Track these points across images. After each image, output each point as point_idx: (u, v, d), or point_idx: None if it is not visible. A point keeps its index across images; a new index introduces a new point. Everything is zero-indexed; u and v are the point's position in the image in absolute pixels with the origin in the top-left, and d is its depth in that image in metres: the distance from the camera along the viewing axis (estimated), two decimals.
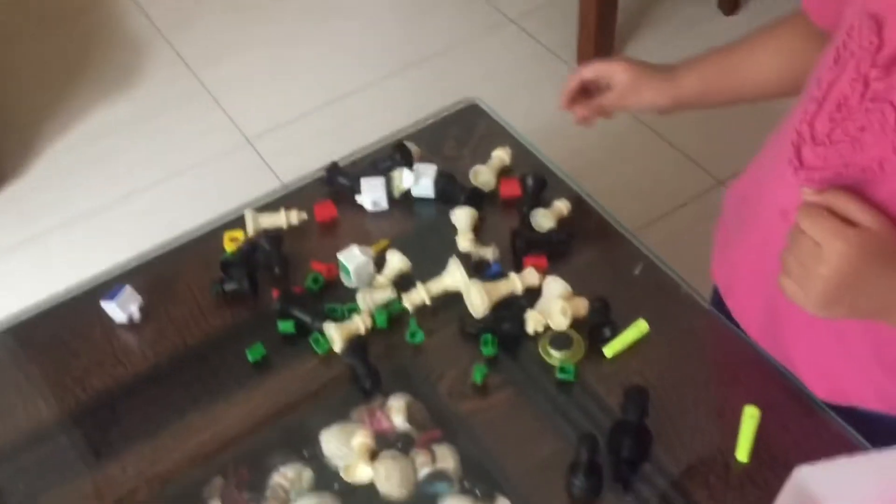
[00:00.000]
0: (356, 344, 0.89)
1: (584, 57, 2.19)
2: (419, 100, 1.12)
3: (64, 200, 2.01)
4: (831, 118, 0.75)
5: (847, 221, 0.69)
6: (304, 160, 1.07)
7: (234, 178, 2.01)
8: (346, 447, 0.84)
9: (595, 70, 0.99)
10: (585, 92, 1.01)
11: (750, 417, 0.82)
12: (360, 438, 0.83)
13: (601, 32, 2.12)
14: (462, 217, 0.98)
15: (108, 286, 0.95)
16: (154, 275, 0.98)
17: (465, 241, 0.97)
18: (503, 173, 1.05)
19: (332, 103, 2.16)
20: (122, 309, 0.93)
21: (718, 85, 0.96)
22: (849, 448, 0.80)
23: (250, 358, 0.90)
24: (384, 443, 0.84)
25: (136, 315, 0.94)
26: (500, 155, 1.05)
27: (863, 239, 0.68)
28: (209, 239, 1.00)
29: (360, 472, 0.82)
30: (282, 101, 2.19)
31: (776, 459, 0.80)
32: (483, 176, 1.04)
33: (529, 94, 2.11)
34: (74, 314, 0.95)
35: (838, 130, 0.74)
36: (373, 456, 0.83)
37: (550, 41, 2.28)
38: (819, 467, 0.75)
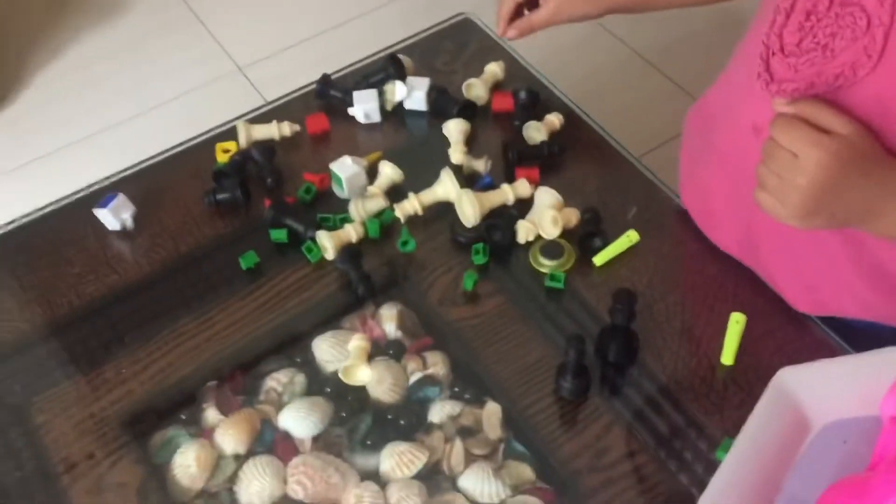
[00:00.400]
0: (349, 251, 0.89)
1: None
2: (413, 29, 1.11)
3: (56, 126, 1.99)
4: (800, 27, 0.74)
5: (822, 130, 0.69)
6: (296, 87, 1.07)
7: (226, 105, 1.97)
8: (338, 353, 0.85)
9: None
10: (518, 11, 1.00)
11: (735, 323, 0.83)
12: (358, 341, 0.84)
13: None
14: (454, 129, 0.98)
15: (101, 194, 0.95)
16: (147, 184, 0.98)
17: (457, 154, 0.97)
18: (496, 87, 1.04)
19: (326, 32, 2.14)
20: (114, 216, 0.93)
21: None
22: (831, 352, 0.81)
23: (243, 265, 0.91)
24: (376, 350, 0.86)
25: (130, 223, 0.94)
26: (494, 69, 1.04)
27: (839, 146, 0.68)
28: (201, 150, 1.00)
29: (360, 374, 0.83)
30: (274, 30, 2.16)
31: (760, 363, 0.81)
32: (476, 89, 1.03)
33: None
34: (68, 222, 0.96)
35: (808, 39, 0.74)
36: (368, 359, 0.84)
37: None
38: (800, 369, 0.77)
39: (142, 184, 0.98)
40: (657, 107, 1.96)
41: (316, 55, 2.07)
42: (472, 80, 1.03)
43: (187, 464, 0.79)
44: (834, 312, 0.87)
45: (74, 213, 0.96)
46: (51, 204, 0.98)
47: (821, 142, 0.68)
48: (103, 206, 0.93)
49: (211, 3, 2.24)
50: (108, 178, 0.99)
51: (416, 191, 0.93)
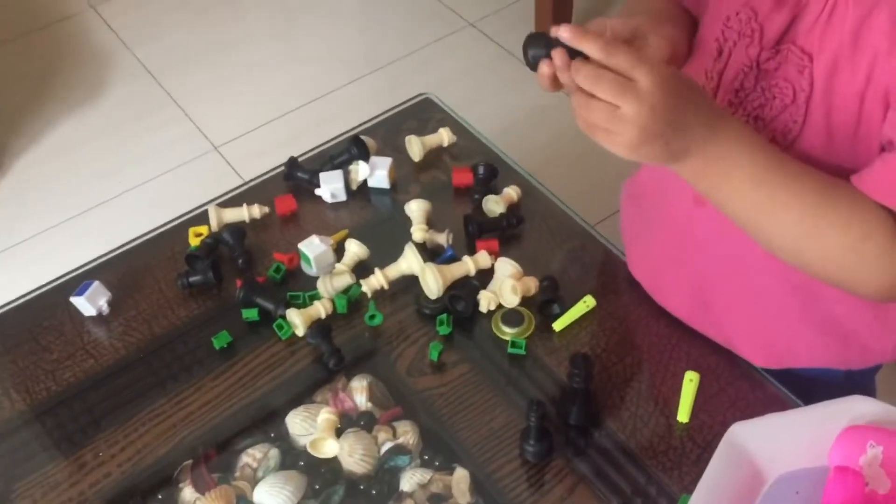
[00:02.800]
0: (320, 325, 0.93)
1: None
2: (383, 103, 1.16)
3: (33, 213, 2.03)
4: (730, 103, 0.81)
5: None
6: (270, 164, 1.11)
7: (203, 184, 2.04)
8: (311, 427, 0.88)
9: (626, 26, 0.82)
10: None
11: (689, 381, 0.87)
12: (326, 415, 0.87)
13: None
14: (416, 208, 1.03)
15: (77, 282, 0.98)
16: (122, 270, 1.02)
17: (419, 232, 1.01)
18: (452, 158, 1.10)
19: (297, 109, 2.20)
20: (90, 303, 0.96)
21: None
22: (782, 406, 0.85)
23: (216, 345, 0.94)
24: (347, 422, 0.89)
25: (105, 309, 0.97)
26: (442, 133, 1.10)
27: (655, 87, 0.67)
28: (174, 234, 1.04)
29: (327, 447, 0.85)
30: (247, 109, 2.23)
31: (714, 419, 0.85)
32: (412, 144, 1.08)
33: (489, 95, 2.17)
34: (45, 310, 0.99)
35: (739, 112, 0.80)
36: (337, 433, 0.87)
37: (508, 42, 2.34)
38: (752, 423, 0.80)
39: (117, 269, 1.02)
40: (616, 172, 2.02)
41: (288, 131, 2.13)
42: (411, 137, 1.09)
43: None
44: (789, 364, 0.91)
45: (52, 301, 0.99)
46: (29, 293, 1.01)
47: (636, 91, 0.67)
48: (79, 294, 0.96)
49: (186, 86, 2.30)
50: (83, 265, 1.02)
51: (382, 266, 0.97)
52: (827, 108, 0.75)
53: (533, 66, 0.74)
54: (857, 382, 0.97)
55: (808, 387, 0.90)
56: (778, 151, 0.74)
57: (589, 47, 0.68)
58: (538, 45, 0.73)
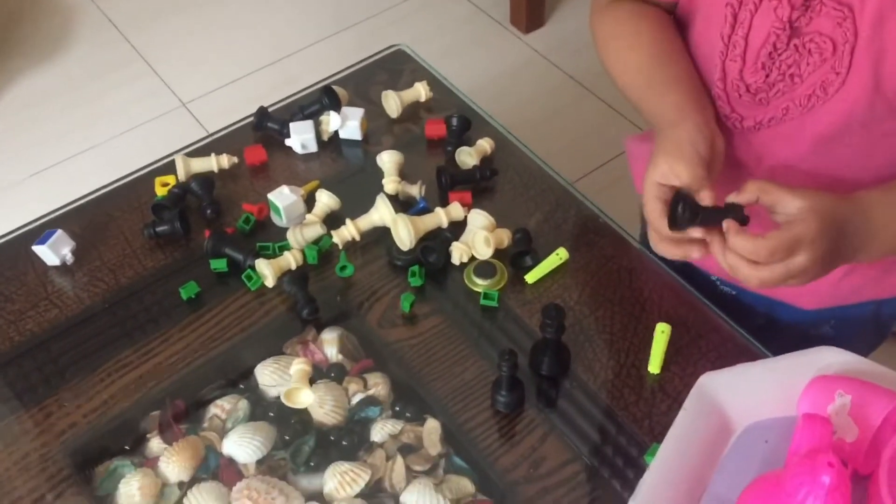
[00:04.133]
0: (296, 274, 0.92)
1: (516, 16, 2.22)
2: (353, 61, 1.14)
3: None
4: (763, 66, 0.81)
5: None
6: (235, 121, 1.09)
7: (171, 141, 1.99)
8: (281, 378, 0.87)
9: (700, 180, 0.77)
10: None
11: (661, 333, 0.87)
12: (299, 365, 0.86)
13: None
14: (388, 160, 1.01)
15: (39, 231, 0.96)
16: (86, 219, 0.99)
17: (391, 184, 1.00)
18: (426, 109, 1.08)
19: (267, 67, 2.17)
20: (54, 252, 0.94)
21: (692, 81, 0.87)
22: (752, 357, 0.85)
23: (184, 295, 0.92)
24: (318, 374, 0.88)
25: (69, 258, 0.95)
26: (418, 88, 1.08)
27: (813, 234, 0.72)
28: (140, 184, 1.02)
29: (301, 396, 0.85)
30: (216, 65, 2.19)
31: (685, 370, 0.85)
32: (389, 99, 1.07)
33: (462, 54, 2.14)
34: (7, 259, 0.96)
35: (774, 73, 0.80)
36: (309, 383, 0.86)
37: (483, 2, 2.31)
38: (721, 374, 0.81)
39: (81, 219, 0.99)
40: (594, 131, 2.02)
41: (258, 89, 2.09)
42: (388, 92, 1.07)
43: (131, 493, 0.80)
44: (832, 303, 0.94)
45: (14, 251, 0.97)
46: None
47: (799, 245, 0.72)
48: (42, 242, 0.94)
49: (154, 41, 2.25)
50: (46, 214, 1.00)
51: (353, 217, 0.96)
52: (875, 56, 0.75)
53: (681, 228, 0.75)
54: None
55: (780, 339, 0.90)
56: None
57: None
58: (687, 215, 0.74)
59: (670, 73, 0.85)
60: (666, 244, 0.77)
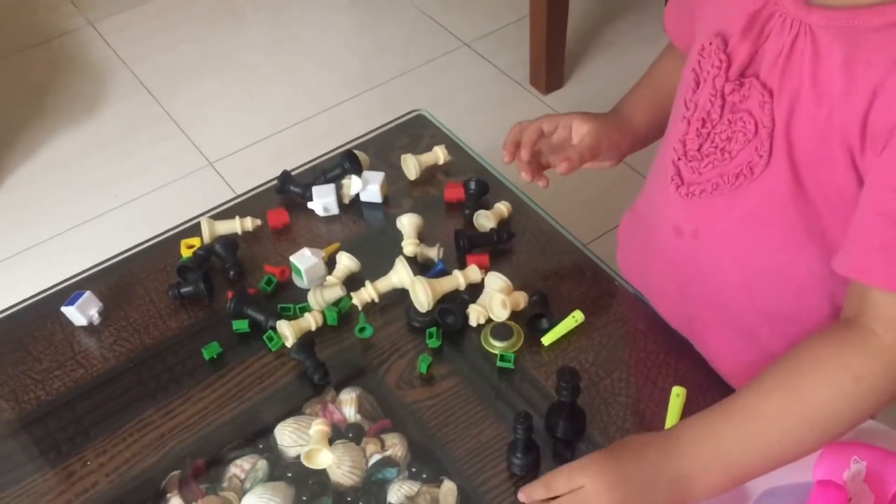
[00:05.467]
0: (304, 340, 0.93)
1: (535, 77, 2.27)
2: (377, 121, 1.17)
3: (28, 226, 2.03)
4: (698, 133, 0.82)
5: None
6: (265, 180, 1.12)
7: (197, 199, 2.05)
8: (300, 438, 0.88)
9: (553, 122, 0.97)
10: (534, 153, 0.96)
11: (676, 396, 0.87)
12: (319, 426, 0.87)
13: (551, 53, 2.19)
14: (407, 223, 1.03)
15: (68, 292, 0.99)
16: (113, 280, 1.02)
17: (409, 246, 1.02)
18: (444, 173, 1.11)
19: (292, 127, 2.22)
20: (81, 313, 0.96)
21: (663, 105, 0.95)
22: None
23: (206, 356, 0.94)
24: (336, 434, 0.89)
25: (96, 319, 0.98)
26: (437, 152, 1.11)
27: (594, 479, 0.73)
28: (166, 246, 1.05)
29: (321, 457, 0.85)
30: (243, 125, 2.24)
31: None
32: (407, 161, 1.09)
33: (483, 114, 2.18)
34: (36, 319, 0.99)
35: (707, 144, 0.82)
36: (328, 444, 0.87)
37: (503, 63, 2.36)
38: None
39: (108, 280, 1.02)
40: (609, 191, 2.04)
41: (283, 148, 2.14)
42: (407, 156, 1.09)
43: None
44: None
45: (43, 311, 1.00)
46: (20, 302, 1.01)
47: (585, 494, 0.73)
48: (70, 303, 0.96)
49: (182, 102, 2.32)
50: (75, 275, 1.03)
51: (373, 279, 0.98)
52: (788, 145, 0.75)
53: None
54: None
55: None
56: (729, 413, 0.74)
57: (536, 494, 0.76)
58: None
59: (643, 88, 1.00)
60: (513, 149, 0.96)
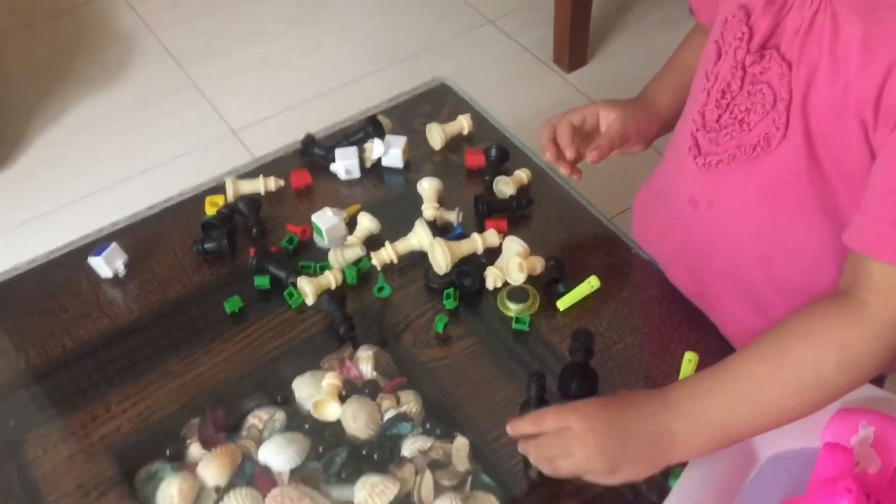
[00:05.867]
0: (334, 293, 0.95)
1: (559, 55, 2.27)
2: (400, 94, 1.20)
3: (52, 190, 2.06)
4: (717, 104, 0.83)
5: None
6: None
7: (221, 167, 2.07)
8: (317, 392, 0.90)
9: (580, 114, 0.98)
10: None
11: (688, 361, 0.88)
12: (330, 380, 0.89)
13: (575, 31, 2.19)
14: (428, 186, 1.05)
15: (95, 245, 1.01)
16: (139, 234, 1.04)
17: (430, 210, 1.03)
18: (466, 141, 1.12)
19: (316, 98, 2.23)
20: (107, 264, 0.99)
21: (685, 93, 0.96)
22: None
23: (227, 310, 0.96)
24: (353, 389, 0.91)
25: (122, 271, 1.00)
26: (461, 121, 1.12)
27: (582, 421, 0.75)
28: (191, 203, 1.07)
29: (329, 410, 0.88)
30: (267, 95, 2.26)
31: None
32: (433, 131, 1.11)
33: (506, 91, 2.19)
34: (63, 270, 1.02)
35: (726, 115, 0.82)
36: (341, 399, 0.89)
37: (527, 40, 2.36)
38: None
39: (134, 234, 1.04)
40: (631, 169, 2.04)
41: (306, 118, 2.14)
42: (432, 125, 1.11)
43: (171, 495, 0.83)
44: None
45: (70, 262, 1.02)
46: (48, 254, 1.04)
47: (570, 433, 0.75)
48: (97, 254, 0.99)
49: (207, 71, 2.34)
50: (102, 229, 1.05)
51: (392, 240, 1.00)
52: (805, 118, 0.76)
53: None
54: None
55: None
56: (718, 375, 0.75)
57: (523, 428, 0.79)
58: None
59: (669, 72, 1.00)
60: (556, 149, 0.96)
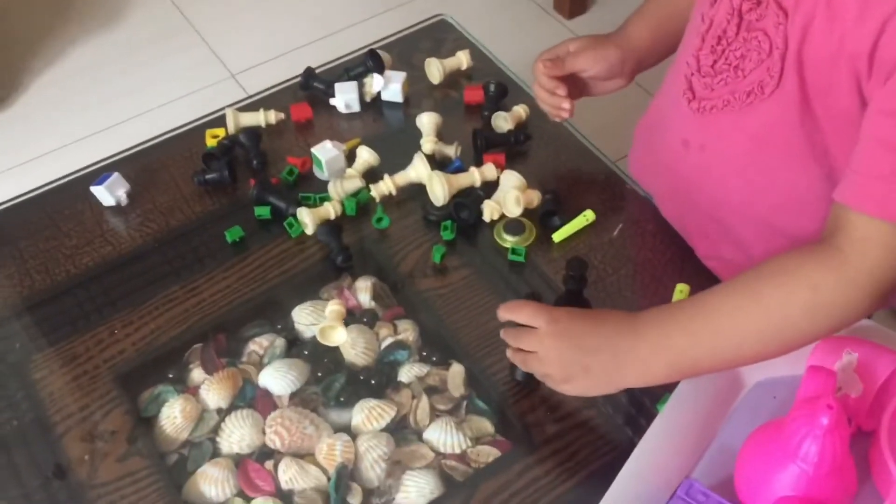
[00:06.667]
0: (331, 224, 0.97)
1: (559, 1, 2.25)
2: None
3: (53, 129, 2.07)
4: (713, 50, 0.83)
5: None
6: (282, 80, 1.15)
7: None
8: (316, 320, 0.92)
9: (552, 53, 0.99)
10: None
11: (680, 293, 0.90)
12: (334, 305, 0.91)
13: None
14: (427, 122, 1.06)
15: (97, 174, 1.02)
16: (141, 164, 1.05)
17: (428, 144, 1.04)
18: (466, 77, 1.13)
19: (315, 42, 2.23)
20: (110, 193, 1.00)
21: (666, 26, 0.98)
22: None
23: (228, 238, 0.98)
24: (351, 318, 0.92)
25: (124, 199, 1.01)
26: (461, 56, 1.13)
27: (548, 324, 0.78)
28: (192, 134, 1.08)
29: (336, 335, 0.90)
30: (267, 39, 2.25)
31: None
32: (432, 65, 1.12)
33: (506, 37, 2.17)
34: (67, 199, 1.03)
35: (721, 60, 0.83)
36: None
37: None
38: None
39: (136, 164, 1.06)
40: (630, 116, 2.05)
41: (305, 62, 2.14)
42: (431, 59, 1.11)
43: (174, 416, 0.86)
44: None
45: (73, 191, 1.03)
46: (51, 182, 1.05)
47: (538, 336, 0.78)
48: (99, 183, 1.00)
49: (205, 14, 2.32)
50: (104, 158, 1.06)
51: (391, 173, 1.01)
52: (800, 66, 0.76)
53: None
54: None
55: None
56: (686, 306, 0.77)
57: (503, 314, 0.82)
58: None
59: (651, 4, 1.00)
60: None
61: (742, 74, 0.82)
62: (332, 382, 0.88)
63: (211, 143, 1.06)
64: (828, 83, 0.76)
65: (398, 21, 2.25)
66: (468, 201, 0.98)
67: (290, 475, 0.82)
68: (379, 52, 1.12)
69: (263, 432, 0.85)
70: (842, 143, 0.77)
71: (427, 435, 0.84)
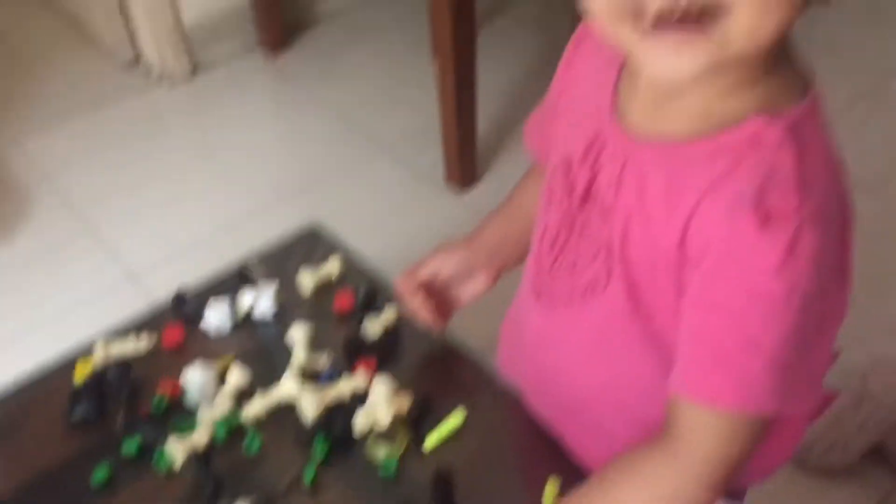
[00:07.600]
0: (200, 455, 0.95)
1: (451, 177, 2.35)
2: (291, 227, 1.22)
3: None
4: (549, 251, 0.88)
5: None
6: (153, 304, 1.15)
7: (121, 314, 2.06)
8: None
9: (428, 268, 1.03)
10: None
11: (551, 485, 0.91)
12: None
13: (463, 154, 2.29)
14: (298, 333, 1.07)
15: None
16: (4, 411, 1.03)
17: (300, 356, 1.05)
18: (337, 284, 1.15)
19: (216, 233, 2.26)
20: None
21: (512, 226, 1.04)
22: None
23: (93, 481, 0.95)
24: None
25: None
26: (331, 264, 1.16)
27: None
28: (63, 369, 1.06)
29: None
30: (168, 235, 2.27)
31: None
32: (304, 277, 1.14)
33: (399, 218, 2.25)
34: None
35: (558, 262, 0.87)
36: None
37: (420, 165, 2.44)
38: None
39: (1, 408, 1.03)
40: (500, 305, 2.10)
41: (209, 255, 2.08)
42: (302, 271, 1.14)
43: None
44: None
45: None
46: None
47: None
48: None
49: (104, 216, 2.34)
50: None
51: (264, 390, 1.01)
52: (626, 265, 0.80)
53: None
54: None
55: None
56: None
57: None
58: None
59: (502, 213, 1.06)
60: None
61: (578, 273, 0.85)
62: None
63: (80, 377, 1.04)
64: (651, 277, 0.79)
65: (295, 208, 2.31)
66: (339, 415, 0.98)
67: None
68: (251, 265, 1.14)
69: None
70: (674, 332, 0.81)
71: None
